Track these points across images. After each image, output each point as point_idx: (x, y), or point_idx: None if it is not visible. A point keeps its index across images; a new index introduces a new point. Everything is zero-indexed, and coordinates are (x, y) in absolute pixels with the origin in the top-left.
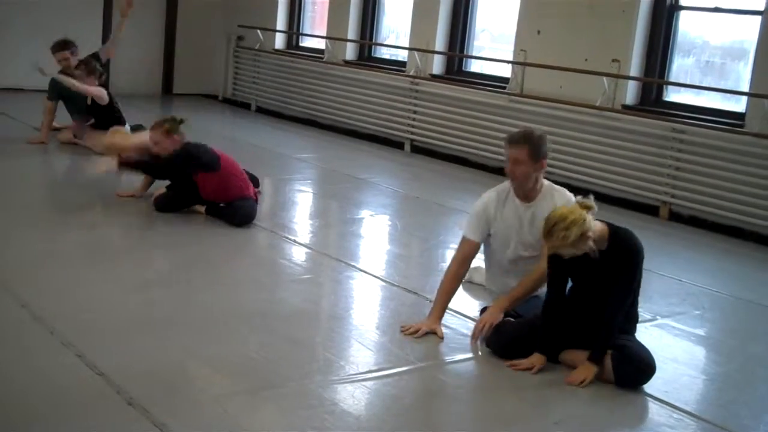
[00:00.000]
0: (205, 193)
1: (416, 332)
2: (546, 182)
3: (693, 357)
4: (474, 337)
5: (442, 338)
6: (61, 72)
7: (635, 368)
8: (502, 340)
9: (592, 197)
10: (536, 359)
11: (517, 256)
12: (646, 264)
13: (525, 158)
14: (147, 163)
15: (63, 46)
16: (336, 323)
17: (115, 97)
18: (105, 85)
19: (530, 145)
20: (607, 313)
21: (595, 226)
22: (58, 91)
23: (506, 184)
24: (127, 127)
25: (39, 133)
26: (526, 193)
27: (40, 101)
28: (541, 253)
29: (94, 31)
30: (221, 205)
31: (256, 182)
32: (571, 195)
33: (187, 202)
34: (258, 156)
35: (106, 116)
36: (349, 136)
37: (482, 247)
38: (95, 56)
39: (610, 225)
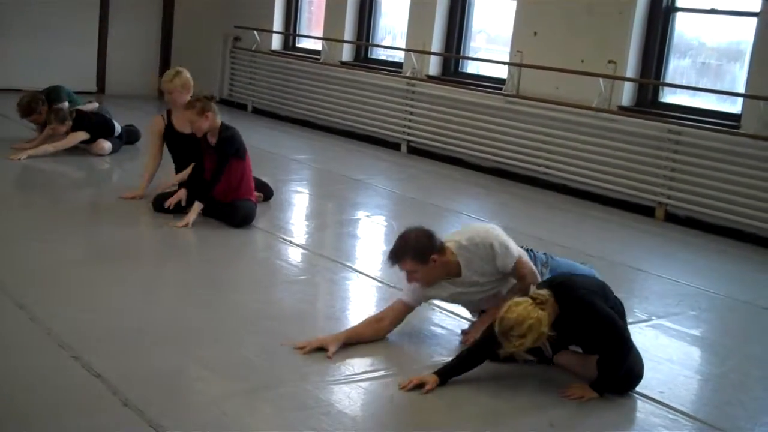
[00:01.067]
0: (221, 183)
1: (303, 347)
2: (453, 247)
3: (689, 358)
4: None
5: (330, 357)
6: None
7: (622, 380)
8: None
9: (545, 291)
10: (429, 379)
11: (474, 301)
12: (642, 265)
13: (415, 267)
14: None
15: (29, 110)
16: (332, 324)
17: (106, 106)
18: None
19: (411, 253)
20: (608, 361)
21: (548, 321)
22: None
23: None
24: (118, 127)
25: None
26: (448, 276)
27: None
28: (519, 267)
29: (91, 32)
30: (221, 204)
31: (270, 192)
32: (477, 230)
33: (185, 202)
34: (254, 157)
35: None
36: (346, 137)
37: None
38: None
39: (553, 293)
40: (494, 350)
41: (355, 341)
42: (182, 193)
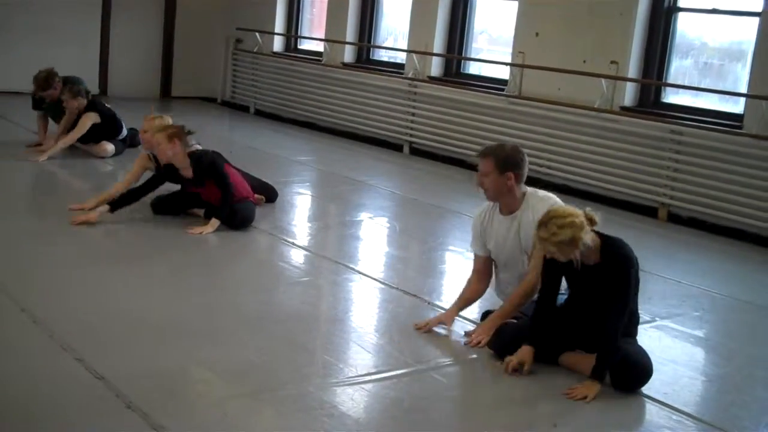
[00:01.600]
0: (207, 197)
1: (425, 326)
2: (529, 191)
3: (692, 358)
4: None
5: (447, 333)
6: (49, 102)
7: (633, 375)
8: (503, 341)
9: (598, 215)
10: (524, 352)
11: (510, 266)
12: (645, 265)
13: (490, 170)
14: (161, 172)
15: (45, 85)
16: (335, 326)
17: (112, 102)
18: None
19: (495, 156)
20: (606, 327)
21: (589, 239)
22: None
23: (482, 207)
24: (124, 131)
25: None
26: (506, 206)
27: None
28: (530, 266)
29: (93, 34)
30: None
31: (274, 194)
32: (557, 199)
33: (185, 205)
34: (257, 159)
35: (98, 131)
36: (348, 139)
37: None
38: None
39: (602, 236)
40: (558, 274)
41: (467, 306)
42: (210, 228)
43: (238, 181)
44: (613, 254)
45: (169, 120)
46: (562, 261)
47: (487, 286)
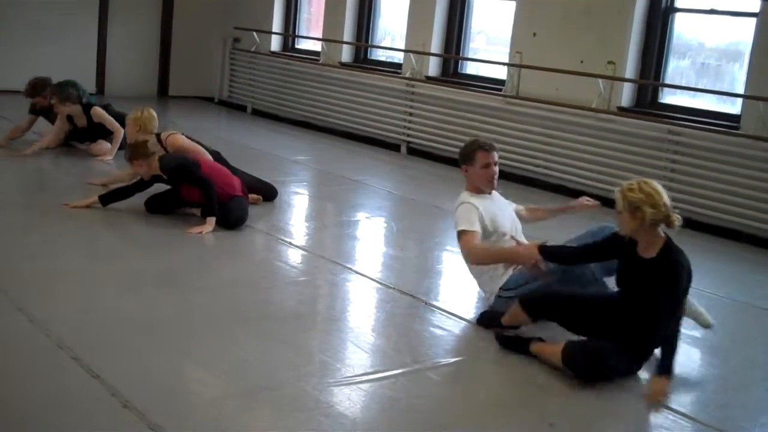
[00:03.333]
0: (189, 197)
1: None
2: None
3: (689, 359)
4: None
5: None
6: (40, 108)
7: (584, 359)
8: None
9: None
10: (664, 385)
11: (515, 229)
12: None
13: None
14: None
15: (32, 92)
16: (332, 325)
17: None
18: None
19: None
20: (659, 323)
21: (652, 227)
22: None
23: (465, 194)
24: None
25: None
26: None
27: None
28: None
29: (91, 33)
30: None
31: (274, 193)
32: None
33: (176, 203)
34: (254, 158)
35: (90, 131)
36: (345, 138)
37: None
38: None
39: (669, 239)
40: (613, 251)
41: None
42: (209, 226)
43: (224, 178)
44: (668, 254)
45: (146, 114)
46: (622, 233)
47: None
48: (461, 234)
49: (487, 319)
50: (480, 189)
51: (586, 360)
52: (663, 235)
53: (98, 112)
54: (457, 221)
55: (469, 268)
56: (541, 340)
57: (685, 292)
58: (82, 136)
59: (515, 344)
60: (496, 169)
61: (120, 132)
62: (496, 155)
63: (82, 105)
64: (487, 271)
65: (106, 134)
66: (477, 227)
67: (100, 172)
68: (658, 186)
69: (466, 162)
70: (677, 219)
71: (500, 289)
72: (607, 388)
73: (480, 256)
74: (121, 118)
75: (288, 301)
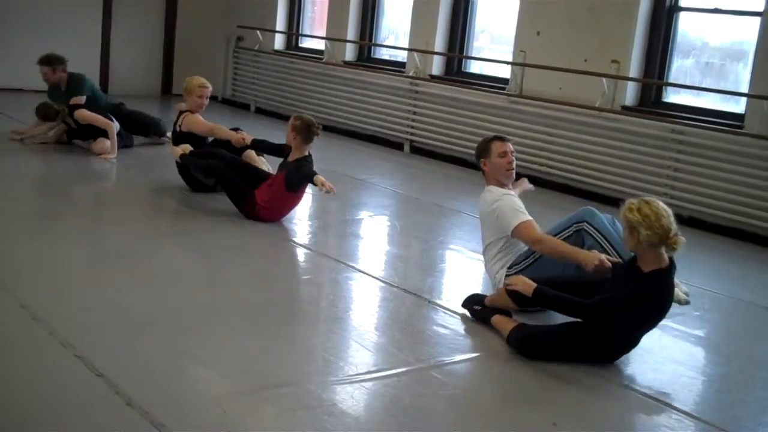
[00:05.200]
0: (261, 198)
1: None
2: None
3: (692, 358)
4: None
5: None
6: (50, 87)
7: (520, 344)
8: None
9: (683, 240)
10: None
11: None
12: None
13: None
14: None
15: (46, 61)
16: (335, 324)
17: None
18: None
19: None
20: (616, 328)
21: (650, 249)
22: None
23: (493, 188)
24: (116, 125)
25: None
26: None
27: (38, 101)
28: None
29: (94, 32)
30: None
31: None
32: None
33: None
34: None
35: (86, 128)
36: (349, 137)
37: (499, 245)
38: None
39: (671, 263)
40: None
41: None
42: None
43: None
44: (654, 279)
45: None
46: (626, 247)
47: None
48: (520, 227)
49: (469, 300)
50: (502, 183)
51: (522, 345)
52: (666, 260)
53: (82, 114)
54: (506, 218)
55: (484, 256)
56: (505, 313)
57: (643, 321)
58: (84, 134)
59: (481, 315)
60: (513, 158)
61: (112, 127)
62: (510, 146)
63: (69, 107)
64: (502, 258)
65: (106, 132)
66: (528, 215)
67: (102, 171)
68: (659, 207)
69: (483, 155)
70: (679, 241)
71: (507, 268)
72: (609, 389)
73: (551, 249)
74: (134, 118)
75: (291, 299)
